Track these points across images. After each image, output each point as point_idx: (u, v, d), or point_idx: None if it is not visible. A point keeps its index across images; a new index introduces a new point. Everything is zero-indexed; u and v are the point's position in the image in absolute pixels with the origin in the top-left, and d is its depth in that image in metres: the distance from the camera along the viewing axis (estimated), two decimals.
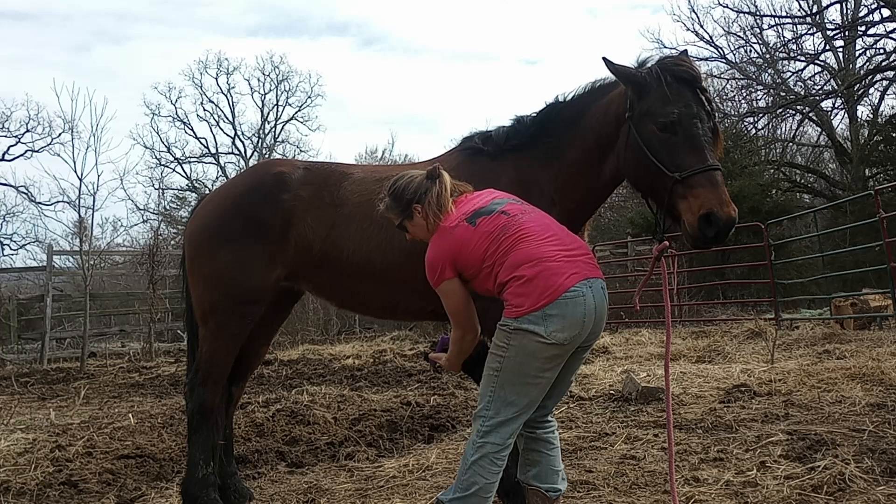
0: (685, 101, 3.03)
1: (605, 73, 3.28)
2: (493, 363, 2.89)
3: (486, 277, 2.92)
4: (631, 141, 3.14)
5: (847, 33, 20.75)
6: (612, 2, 56.97)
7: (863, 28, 20.44)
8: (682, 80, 3.07)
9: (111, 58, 56.58)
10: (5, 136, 27.28)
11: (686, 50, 3.55)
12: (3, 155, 27.45)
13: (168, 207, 32.81)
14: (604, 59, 3.17)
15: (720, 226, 2.87)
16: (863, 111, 23.19)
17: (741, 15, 21.43)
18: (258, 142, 36.23)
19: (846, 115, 22.86)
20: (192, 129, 35.48)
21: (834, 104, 22.15)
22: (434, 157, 3.96)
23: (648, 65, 3.20)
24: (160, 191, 33.78)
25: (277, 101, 36.22)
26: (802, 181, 24.59)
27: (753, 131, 22.41)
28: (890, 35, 19.87)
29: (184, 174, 35.53)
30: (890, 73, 20.70)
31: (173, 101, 35.05)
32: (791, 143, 24.48)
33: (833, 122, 23.39)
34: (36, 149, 27.31)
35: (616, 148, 3.28)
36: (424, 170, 3.16)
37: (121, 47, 55.17)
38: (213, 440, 3.95)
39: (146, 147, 34.26)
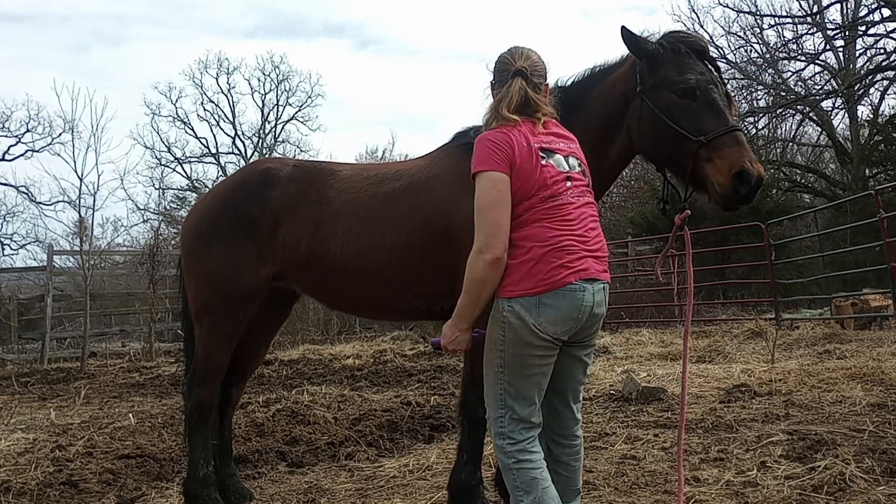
0: (700, 69, 3.11)
1: (600, 60, 3.39)
2: (496, 359, 2.75)
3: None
4: (646, 113, 3.16)
5: (847, 33, 20.73)
6: (606, 3, 56.99)
7: (863, 28, 20.43)
8: (694, 51, 3.16)
9: (110, 58, 56.67)
10: (5, 136, 27.31)
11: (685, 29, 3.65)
12: (4, 155, 27.45)
13: (168, 207, 32.79)
14: (622, 28, 3.20)
15: (752, 183, 2.89)
16: (863, 111, 23.21)
17: (741, 15, 21.47)
18: (258, 142, 36.24)
19: (846, 114, 22.85)
20: (192, 129, 35.54)
21: (834, 104, 22.12)
22: (429, 152, 3.85)
23: (654, 38, 3.29)
24: (160, 191, 33.83)
25: (278, 100, 36.27)
26: (803, 181, 24.56)
27: (754, 131, 22.36)
28: (890, 35, 19.87)
29: (184, 174, 35.59)
30: (890, 73, 20.68)
31: (173, 101, 35.12)
32: (791, 143, 24.45)
33: (833, 121, 23.37)
34: (36, 149, 27.31)
35: (624, 126, 3.31)
36: (424, 160, 3.03)
37: (120, 48, 55.30)
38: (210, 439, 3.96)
39: (146, 147, 34.32)
